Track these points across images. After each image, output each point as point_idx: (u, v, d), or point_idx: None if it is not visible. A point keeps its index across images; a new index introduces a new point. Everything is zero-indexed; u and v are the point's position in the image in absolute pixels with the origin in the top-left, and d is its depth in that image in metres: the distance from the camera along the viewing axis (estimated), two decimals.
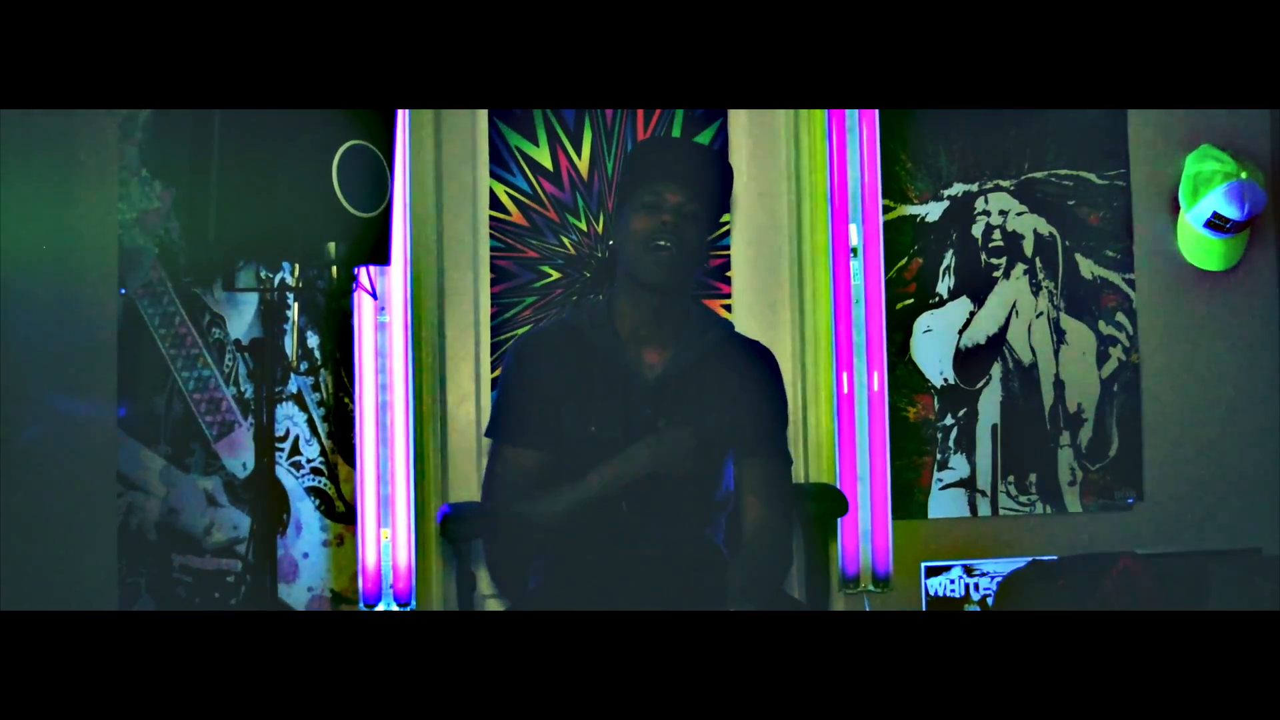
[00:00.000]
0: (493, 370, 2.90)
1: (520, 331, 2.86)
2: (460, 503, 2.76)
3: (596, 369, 2.28)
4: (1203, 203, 2.93)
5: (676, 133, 2.98)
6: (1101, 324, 3.02)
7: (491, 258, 2.93)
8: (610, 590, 2.17)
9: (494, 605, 2.80)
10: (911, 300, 2.96)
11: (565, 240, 2.94)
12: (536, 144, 2.94)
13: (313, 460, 2.80)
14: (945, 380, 2.97)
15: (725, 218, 2.96)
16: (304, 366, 2.77)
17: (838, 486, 2.80)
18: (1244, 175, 2.90)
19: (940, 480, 2.96)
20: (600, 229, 2.94)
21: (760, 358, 2.40)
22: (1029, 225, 3.01)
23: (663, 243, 2.21)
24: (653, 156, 2.37)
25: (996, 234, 3.00)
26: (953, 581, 2.94)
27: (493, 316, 2.92)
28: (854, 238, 2.87)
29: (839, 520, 2.78)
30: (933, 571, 2.93)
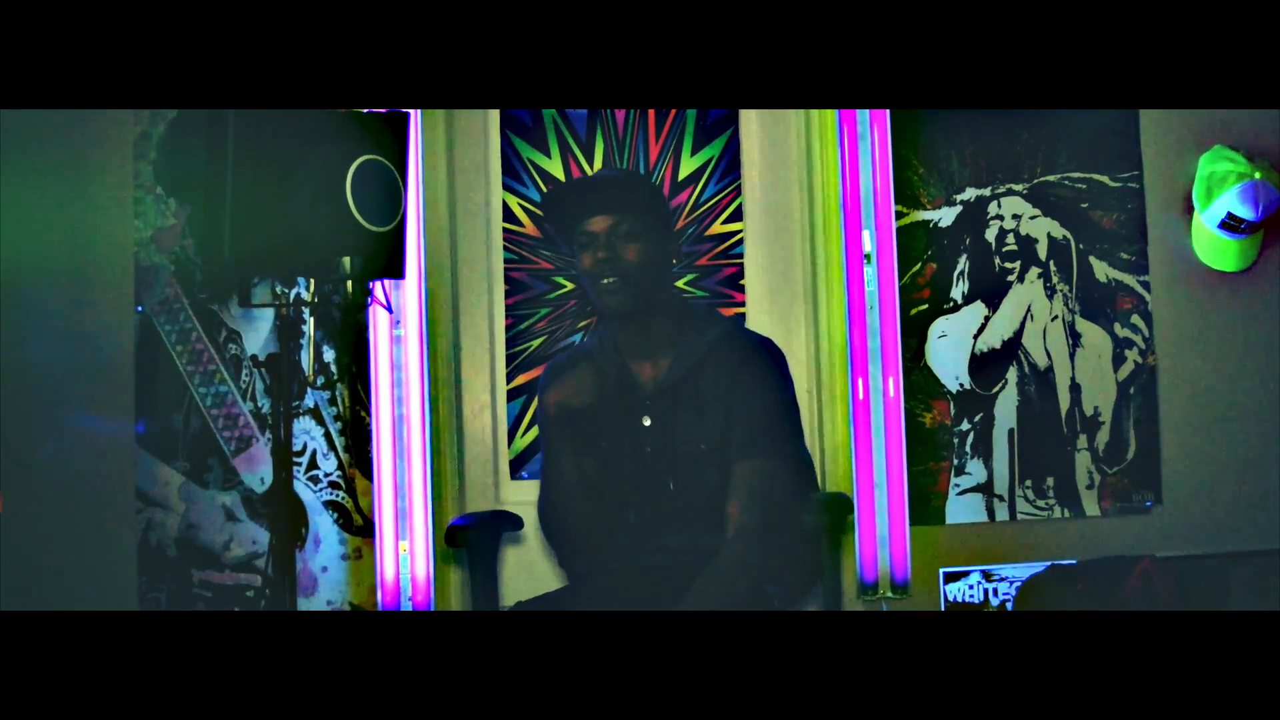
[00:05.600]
0: (509, 381, 2.91)
1: (535, 344, 2.87)
2: (469, 514, 2.76)
3: (607, 389, 2.29)
4: (1217, 203, 2.92)
5: (688, 145, 2.98)
6: (1117, 326, 3.01)
7: (505, 270, 2.94)
8: (621, 594, 2.18)
9: None
10: (926, 305, 2.95)
11: None
12: (549, 155, 2.96)
13: (330, 474, 2.81)
14: (961, 385, 2.97)
15: (738, 225, 2.97)
16: (320, 381, 2.78)
17: (842, 492, 2.77)
18: (1258, 175, 2.89)
19: (957, 485, 2.95)
20: None
21: (764, 354, 2.35)
22: (1042, 229, 3.00)
23: (605, 281, 2.22)
24: (564, 200, 2.37)
25: (1010, 238, 2.99)
26: (971, 587, 2.92)
27: (507, 328, 2.93)
28: (867, 244, 2.87)
29: (856, 527, 2.77)
30: (951, 577, 2.92)
